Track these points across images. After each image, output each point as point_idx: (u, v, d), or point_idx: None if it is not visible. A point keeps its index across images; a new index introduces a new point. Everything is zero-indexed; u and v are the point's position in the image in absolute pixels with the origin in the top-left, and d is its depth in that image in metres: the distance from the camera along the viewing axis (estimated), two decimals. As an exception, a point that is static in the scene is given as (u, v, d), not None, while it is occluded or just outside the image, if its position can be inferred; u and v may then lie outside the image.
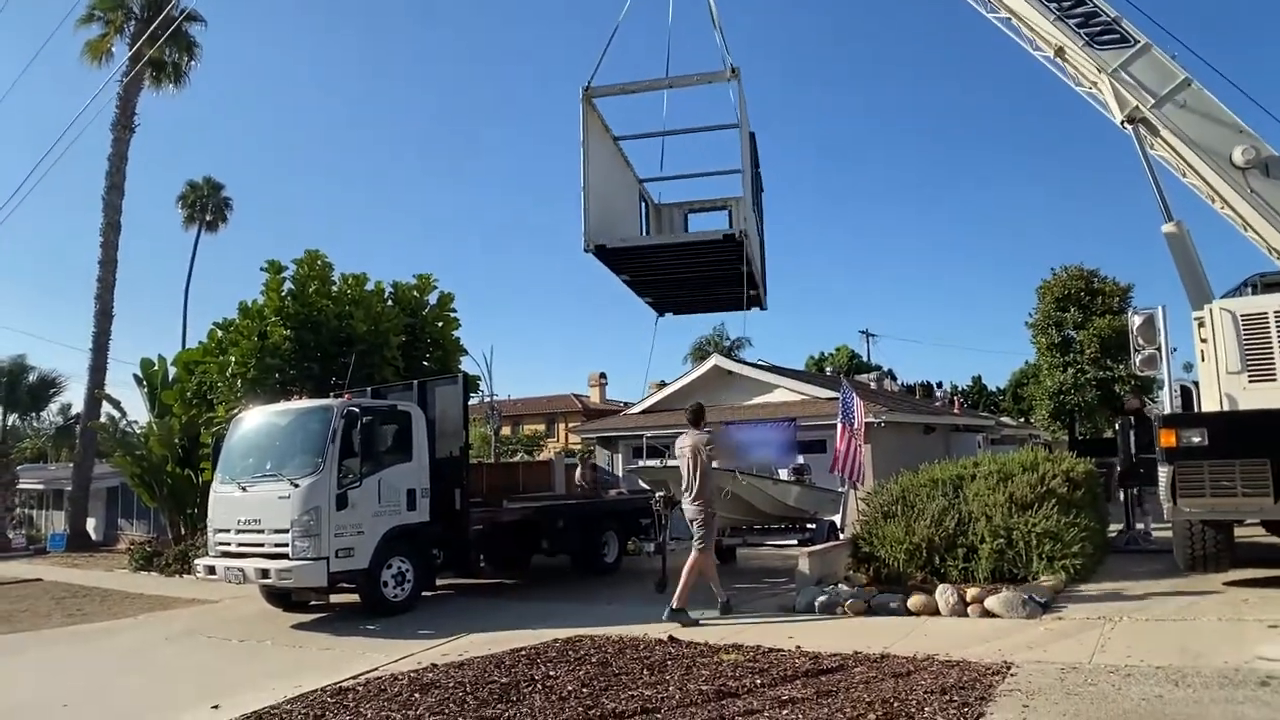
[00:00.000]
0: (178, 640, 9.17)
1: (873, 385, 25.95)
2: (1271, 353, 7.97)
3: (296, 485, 9.39)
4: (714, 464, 9.03)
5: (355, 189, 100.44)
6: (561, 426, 45.92)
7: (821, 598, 8.41)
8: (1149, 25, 10.56)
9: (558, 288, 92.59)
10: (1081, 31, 10.39)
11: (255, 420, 10.74)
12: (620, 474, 18.70)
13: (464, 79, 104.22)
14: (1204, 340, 8.37)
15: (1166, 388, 8.65)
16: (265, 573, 9.34)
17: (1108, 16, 10.36)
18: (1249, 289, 8.95)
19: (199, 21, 26.31)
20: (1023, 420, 33.48)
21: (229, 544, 10.02)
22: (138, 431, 19.90)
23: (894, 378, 34.95)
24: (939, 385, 41.15)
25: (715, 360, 21.74)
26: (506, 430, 41.85)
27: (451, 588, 11.71)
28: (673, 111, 10.38)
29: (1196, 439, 7.54)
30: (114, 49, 25.01)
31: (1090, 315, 25.06)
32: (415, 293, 16.08)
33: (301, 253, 14.86)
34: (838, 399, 12.55)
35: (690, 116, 10.45)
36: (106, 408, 23.18)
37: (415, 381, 11.85)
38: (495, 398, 28.52)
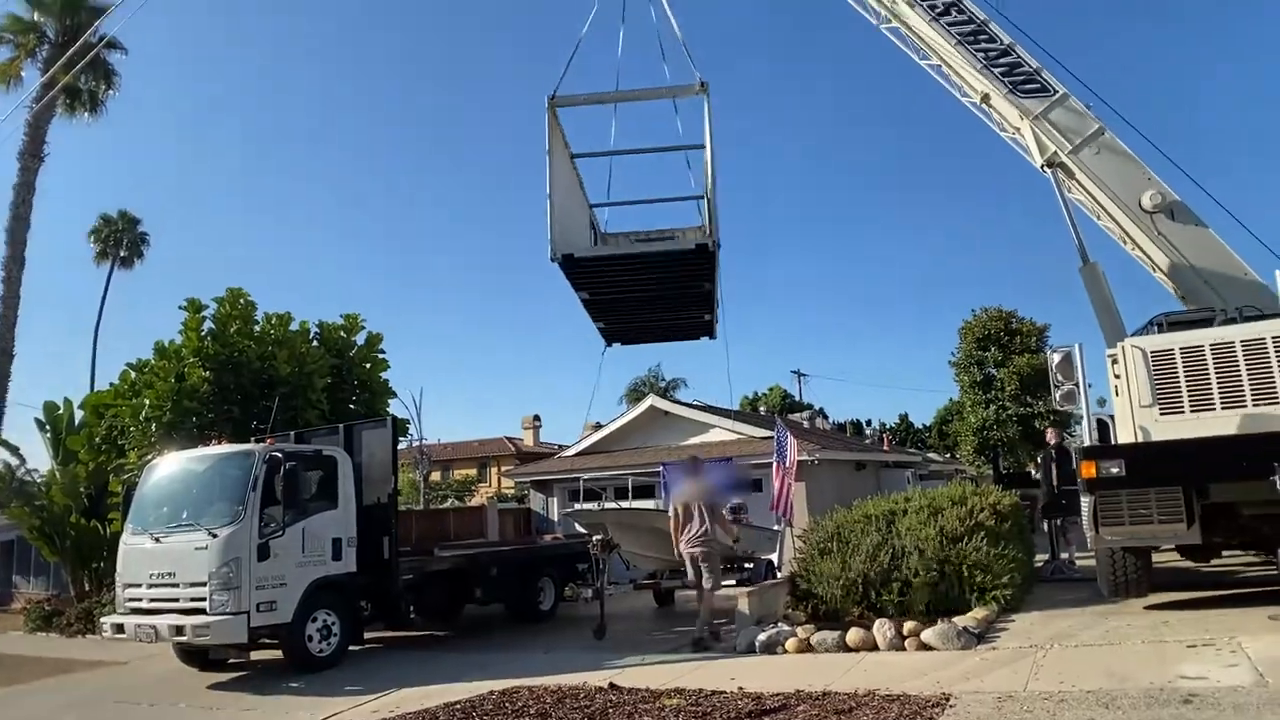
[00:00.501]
0: (81, 707, 8.62)
1: (805, 424, 26.34)
2: (1179, 387, 8.33)
3: (215, 535, 8.99)
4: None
5: (286, 226, 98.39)
6: (494, 470, 45.18)
7: (761, 637, 8.38)
8: (1067, 77, 11.31)
9: (491, 328, 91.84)
10: (1005, 80, 11.07)
11: (170, 466, 10.27)
12: (556, 518, 18.47)
13: (418, 113, 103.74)
14: (1118, 376, 8.71)
15: (1085, 421, 8.94)
16: (180, 629, 8.87)
17: (1030, 67, 11.06)
18: (1155, 328, 9.39)
19: (119, 50, 25.53)
20: (949, 455, 34.35)
21: (140, 599, 9.48)
22: (38, 480, 18.79)
23: (825, 416, 35.56)
24: (868, 423, 42.13)
25: (651, 400, 21.78)
26: (437, 475, 40.91)
27: (380, 641, 11.30)
28: (620, 138, 10.35)
29: (1114, 469, 7.80)
30: (24, 74, 24.05)
31: (1010, 354, 26.08)
32: (342, 333, 15.75)
33: (223, 291, 14.47)
34: (773, 438, 12.66)
35: (638, 142, 10.45)
36: (3, 454, 21.85)
37: (341, 425, 11.52)
38: (425, 441, 27.89)
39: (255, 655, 9.97)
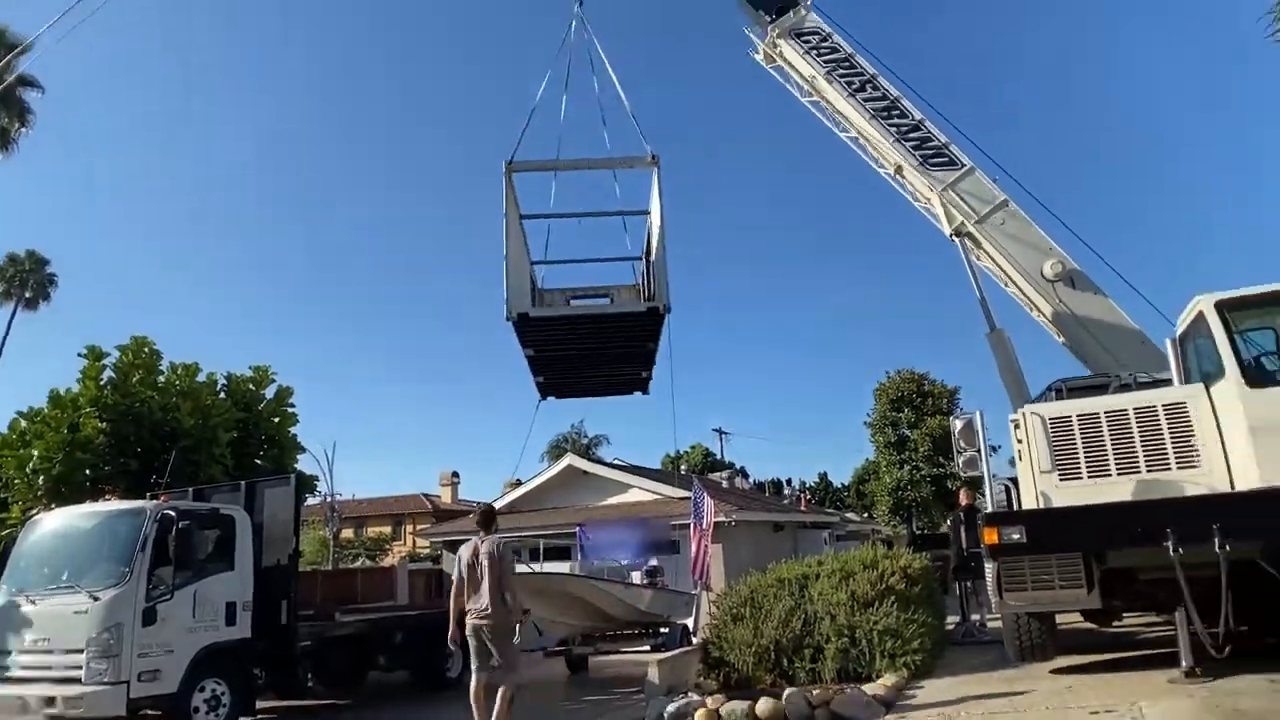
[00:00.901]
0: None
1: (724, 484, 26.43)
2: (1077, 453, 8.57)
3: (96, 598, 8.46)
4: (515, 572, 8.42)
5: (202, 274, 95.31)
6: (410, 528, 43.81)
7: (670, 708, 8.14)
8: (975, 151, 12.00)
9: (413, 381, 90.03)
10: (916, 153, 11.72)
11: (55, 523, 9.72)
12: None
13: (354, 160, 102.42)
14: (1020, 441, 8.90)
15: (988, 486, 9.13)
16: (51, 701, 8.23)
17: (939, 141, 11.72)
18: (1053, 394, 9.71)
19: (35, 88, 24.88)
20: (866, 515, 34.85)
21: (9, 668, 8.80)
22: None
23: (745, 475, 35.78)
24: (788, 482, 42.58)
25: (570, 460, 21.61)
26: (349, 533, 39.45)
27: (275, 711, 10.72)
28: (560, 193, 10.52)
29: (1016, 535, 7.87)
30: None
31: (922, 415, 26.82)
32: (251, 385, 15.21)
33: (128, 339, 13.90)
34: (690, 498, 12.62)
35: (577, 197, 10.66)
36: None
37: (243, 483, 11.07)
38: (338, 497, 26.91)
39: (137, 728, 9.30)
